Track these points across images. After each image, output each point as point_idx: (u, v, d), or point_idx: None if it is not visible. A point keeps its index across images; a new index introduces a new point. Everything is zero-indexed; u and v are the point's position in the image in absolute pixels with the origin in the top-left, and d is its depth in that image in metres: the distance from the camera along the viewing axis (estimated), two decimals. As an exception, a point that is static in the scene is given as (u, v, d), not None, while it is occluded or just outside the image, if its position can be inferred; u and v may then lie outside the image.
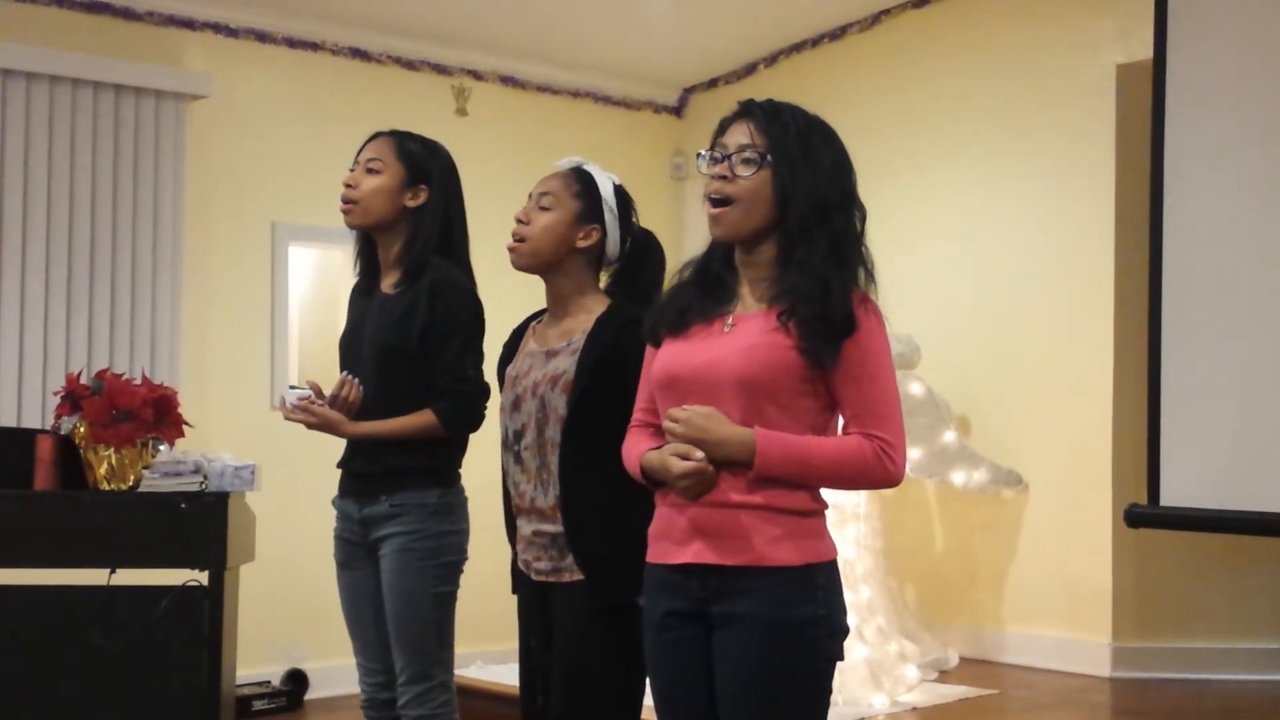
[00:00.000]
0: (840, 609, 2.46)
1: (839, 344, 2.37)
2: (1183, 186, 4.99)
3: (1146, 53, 5.24)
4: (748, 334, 2.43)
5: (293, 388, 6.28)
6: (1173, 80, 5.03)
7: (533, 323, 3.07)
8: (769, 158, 2.44)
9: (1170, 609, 5.83)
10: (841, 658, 2.48)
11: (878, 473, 2.40)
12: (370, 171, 3.38)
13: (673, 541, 2.47)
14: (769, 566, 2.38)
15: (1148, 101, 5.16)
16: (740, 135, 2.47)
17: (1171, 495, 4.98)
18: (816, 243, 2.41)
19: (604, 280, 3.02)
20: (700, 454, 2.38)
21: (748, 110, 2.50)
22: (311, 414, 3.29)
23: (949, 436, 5.97)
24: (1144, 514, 5.06)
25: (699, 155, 2.53)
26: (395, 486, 3.27)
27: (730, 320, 2.48)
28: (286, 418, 3.34)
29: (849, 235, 2.46)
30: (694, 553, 2.43)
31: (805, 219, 2.42)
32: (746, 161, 2.45)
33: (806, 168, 2.43)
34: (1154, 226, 5.06)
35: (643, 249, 3.02)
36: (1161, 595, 5.82)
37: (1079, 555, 5.87)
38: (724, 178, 2.46)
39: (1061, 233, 6.01)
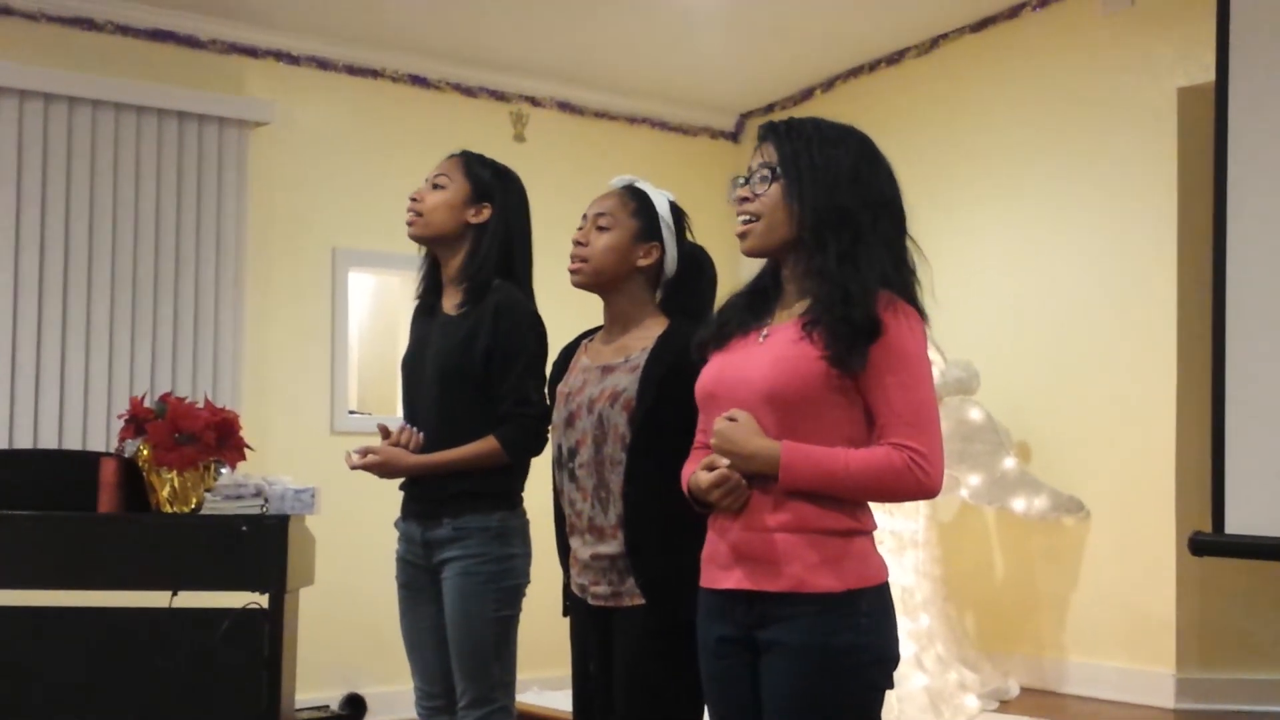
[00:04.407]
0: (888, 636, 2.41)
1: (864, 348, 2.33)
2: (1246, 210, 4.92)
3: (1208, 76, 5.18)
4: (777, 345, 2.42)
5: (352, 413, 6.33)
6: (1235, 104, 4.96)
7: (585, 340, 3.08)
8: (779, 170, 2.45)
9: (1236, 639, 5.73)
10: (890, 686, 2.43)
11: (909, 484, 2.35)
12: (436, 187, 3.42)
13: (718, 566, 2.47)
14: (810, 593, 2.35)
15: (1210, 125, 5.10)
16: (760, 156, 2.50)
17: (1236, 523, 4.89)
18: (830, 249, 2.39)
19: (657, 296, 3.02)
20: (725, 462, 2.38)
21: (766, 131, 2.53)
22: (375, 452, 3.30)
23: (1009, 463, 5.92)
24: (1208, 542, 4.98)
25: (731, 183, 2.56)
26: (459, 509, 3.28)
27: (765, 332, 2.48)
28: (352, 468, 3.35)
29: (874, 238, 2.41)
30: (736, 579, 2.42)
31: (818, 226, 2.41)
32: (762, 179, 2.47)
33: (819, 175, 2.42)
34: (1217, 251, 4.99)
35: (695, 265, 3.02)
36: (1227, 625, 5.73)
37: (1142, 584, 5.79)
38: (746, 199, 2.49)
39: (1123, 258, 5.95)
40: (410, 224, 3.43)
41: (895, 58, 6.84)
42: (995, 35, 6.44)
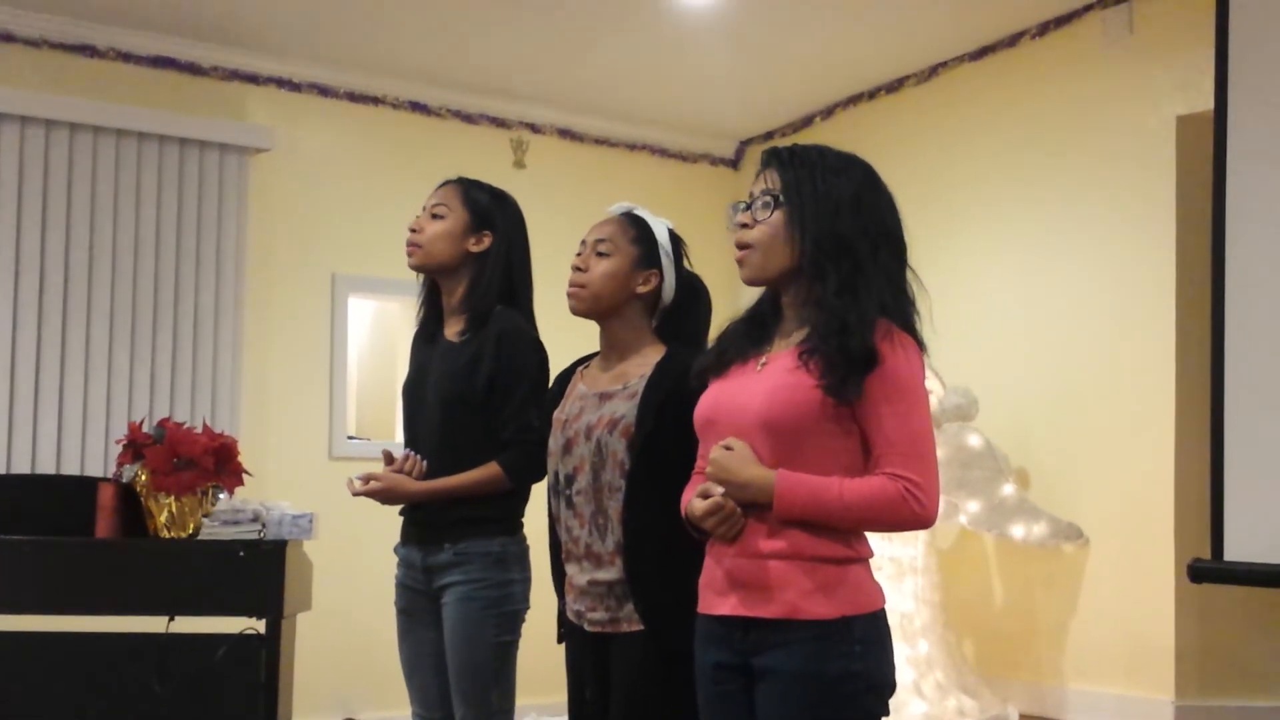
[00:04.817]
0: (884, 664, 2.40)
1: (860, 378, 2.32)
2: (1245, 238, 4.94)
3: (1207, 104, 5.19)
4: (774, 374, 2.42)
5: (351, 438, 6.33)
6: (1234, 132, 4.98)
7: (580, 367, 3.08)
8: (782, 198, 2.44)
9: (1235, 667, 5.71)
10: (886, 714, 2.41)
11: (904, 514, 2.34)
12: (435, 216, 3.41)
13: (715, 592, 2.47)
14: (802, 620, 2.34)
15: (1209, 154, 5.11)
16: (763, 182, 2.49)
17: (1236, 550, 4.89)
18: (830, 278, 2.39)
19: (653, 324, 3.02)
20: (719, 489, 2.38)
21: (770, 156, 2.52)
22: (377, 479, 3.30)
23: (1007, 489, 5.91)
24: (1207, 569, 4.97)
25: (731, 208, 2.56)
26: (459, 534, 3.27)
27: (763, 360, 2.48)
28: (355, 494, 3.35)
29: (874, 269, 2.40)
30: (731, 605, 2.42)
31: (816, 255, 2.40)
32: (764, 205, 2.46)
33: (820, 204, 2.42)
34: (1216, 279, 5.00)
35: (691, 293, 3.03)
36: (1226, 653, 5.71)
37: (1141, 611, 5.78)
38: (745, 225, 2.49)
39: (1121, 285, 5.96)
40: (410, 255, 3.43)
41: (895, 85, 6.86)
42: (994, 63, 6.46)
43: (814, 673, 2.33)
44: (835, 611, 2.35)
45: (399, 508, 3.43)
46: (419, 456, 3.33)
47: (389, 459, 3.35)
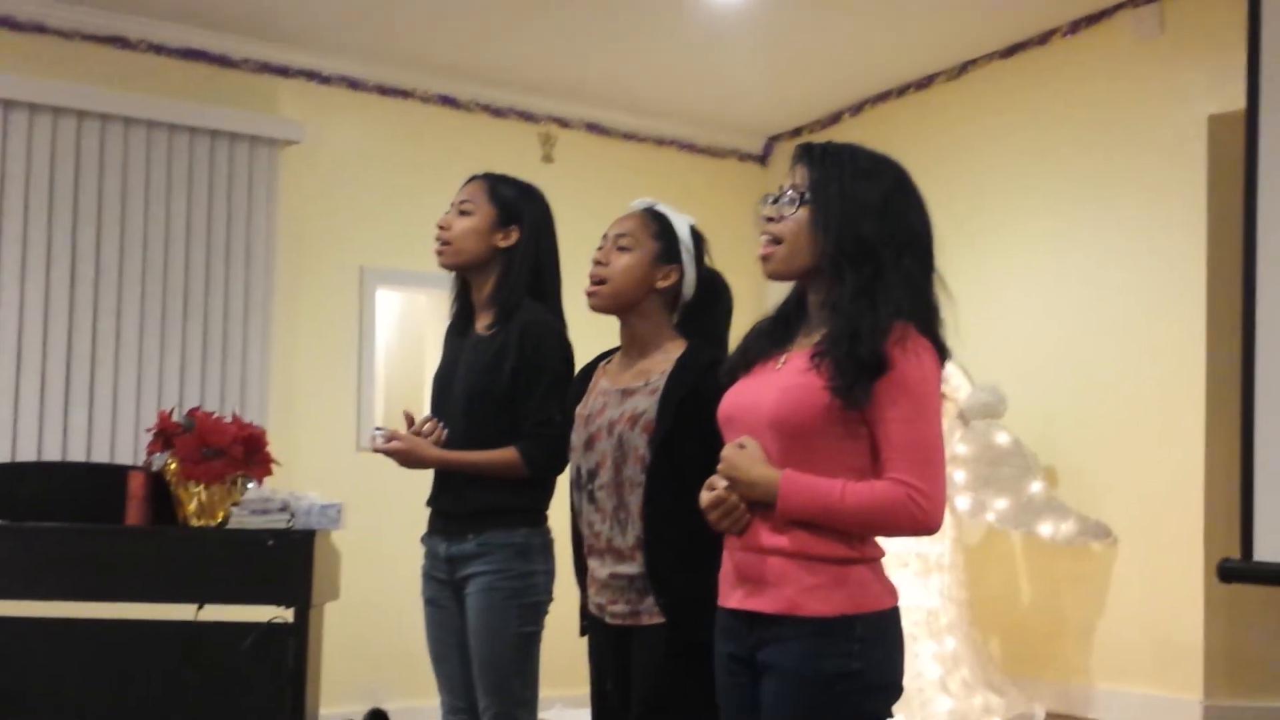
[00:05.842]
0: (887, 664, 2.37)
1: (868, 384, 2.30)
2: (1276, 237, 4.91)
3: (1239, 104, 5.17)
4: (789, 374, 2.41)
5: (378, 429, 6.34)
6: (1266, 131, 4.95)
7: (602, 363, 3.08)
8: (808, 195, 2.43)
9: (1264, 668, 5.68)
10: (889, 715, 2.39)
11: (905, 521, 2.32)
12: (462, 213, 3.43)
13: (728, 585, 2.48)
14: (803, 616, 2.33)
15: (1240, 153, 5.09)
16: (792, 177, 2.47)
17: (1265, 550, 4.86)
18: (848, 281, 2.36)
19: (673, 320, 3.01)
20: (723, 483, 2.38)
21: (801, 152, 2.50)
22: (400, 438, 3.32)
23: (1036, 487, 5.89)
24: (1237, 569, 4.95)
25: (761, 200, 2.54)
26: (482, 525, 3.28)
27: (783, 359, 2.46)
28: (374, 450, 3.37)
29: (895, 275, 2.37)
30: (738, 598, 2.42)
31: (837, 256, 2.38)
32: (790, 201, 2.45)
33: (845, 205, 2.39)
34: (1247, 278, 4.98)
35: (711, 290, 3.02)
36: (1255, 653, 5.68)
37: (1169, 610, 5.75)
38: (771, 219, 2.47)
39: (1152, 284, 5.93)
40: (439, 253, 3.44)
41: (924, 83, 6.85)
42: (1025, 61, 6.44)
43: (810, 670, 2.32)
44: (836, 609, 2.33)
45: (425, 498, 3.45)
46: (440, 423, 3.34)
47: (410, 421, 3.36)
